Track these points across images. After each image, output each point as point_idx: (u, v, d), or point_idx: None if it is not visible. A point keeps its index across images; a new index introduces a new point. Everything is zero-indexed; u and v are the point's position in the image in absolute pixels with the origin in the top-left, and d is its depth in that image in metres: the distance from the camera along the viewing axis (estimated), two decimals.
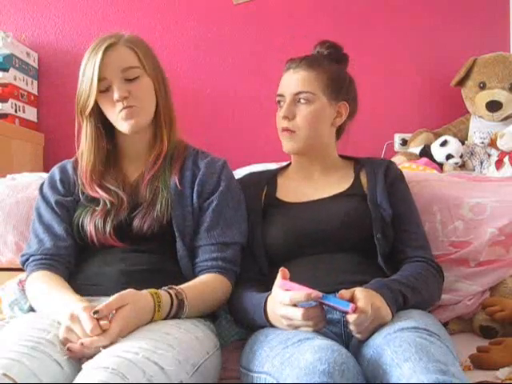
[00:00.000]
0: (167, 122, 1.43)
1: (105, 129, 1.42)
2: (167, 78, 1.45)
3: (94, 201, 1.39)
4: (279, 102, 1.51)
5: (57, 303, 1.22)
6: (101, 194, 1.37)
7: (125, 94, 1.34)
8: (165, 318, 1.19)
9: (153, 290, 1.18)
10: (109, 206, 1.36)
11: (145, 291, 1.17)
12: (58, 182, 1.45)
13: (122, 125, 1.38)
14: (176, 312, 1.20)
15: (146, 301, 1.15)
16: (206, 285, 1.31)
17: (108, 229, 1.33)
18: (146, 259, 1.33)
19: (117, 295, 1.12)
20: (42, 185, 1.48)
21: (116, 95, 1.34)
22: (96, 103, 1.37)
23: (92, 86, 1.34)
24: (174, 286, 1.23)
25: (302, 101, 1.46)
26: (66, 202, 1.41)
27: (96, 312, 1.07)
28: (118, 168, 1.45)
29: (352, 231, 1.38)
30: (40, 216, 1.42)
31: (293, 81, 1.48)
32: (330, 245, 1.37)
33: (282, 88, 1.51)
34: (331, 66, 1.50)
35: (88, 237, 1.35)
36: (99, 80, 1.33)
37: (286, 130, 1.47)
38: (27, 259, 1.38)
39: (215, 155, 1.50)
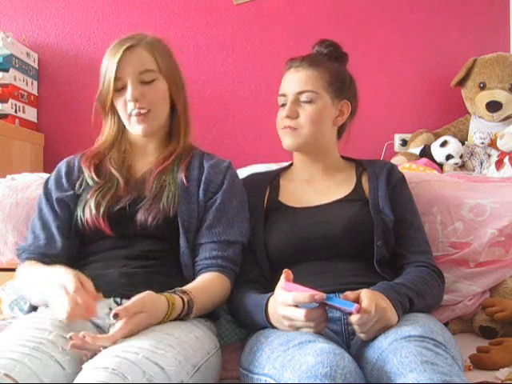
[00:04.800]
0: (183, 124, 1.47)
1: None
2: (185, 84, 1.49)
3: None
4: (281, 101, 1.50)
5: (46, 274, 1.23)
6: (92, 173, 1.40)
7: (137, 96, 1.37)
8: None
9: (171, 298, 1.17)
10: (104, 187, 1.37)
11: (163, 298, 1.16)
12: (63, 176, 1.46)
13: (134, 128, 1.41)
14: (182, 317, 1.20)
15: (161, 309, 1.15)
16: (210, 287, 1.31)
17: (102, 210, 1.33)
18: (147, 260, 1.33)
19: (137, 299, 1.11)
20: (47, 179, 1.49)
21: (128, 95, 1.37)
22: (112, 102, 1.41)
23: (110, 85, 1.37)
24: (187, 291, 1.23)
25: (305, 100, 1.45)
26: (68, 198, 1.41)
27: (116, 316, 1.07)
28: (127, 161, 1.46)
29: (354, 238, 1.37)
30: (40, 211, 1.43)
31: (295, 80, 1.47)
32: (332, 251, 1.37)
33: (283, 88, 1.50)
34: (333, 65, 1.50)
35: (84, 222, 1.35)
36: (115, 79, 1.36)
37: (287, 127, 1.47)
38: (22, 252, 1.41)
39: (220, 157, 1.51)
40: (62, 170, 1.48)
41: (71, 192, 1.42)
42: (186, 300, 1.20)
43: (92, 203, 1.35)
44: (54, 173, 1.50)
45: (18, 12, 2.70)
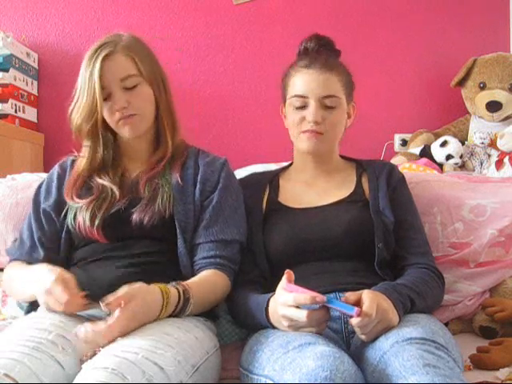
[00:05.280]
0: (169, 124, 1.43)
1: (106, 128, 1.42)
2: (168, 80, 1.45)
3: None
4: (299, 102, 1.43)
5: (29, 273, 1.28)
6: (75, 200, 1.37)
7: (124, 105, 1.35)
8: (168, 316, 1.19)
9: (163, 286, 1.17)
10: (99, 198, 1.36)
11: (155, 286, 1.16)
12: (55, 181, 1.45)
13: (122, 131, 1.39)
14: (180, 310, 1.20)
15: (155, 297, 1.15)
16: (208, 282, 1.31)
17: (97, 222, 1.33)
18: (145, 263, 1.32)
19: (126, 288, 1.11)
20: (39, 185, 1.49)
21: (115, 106, 1.35)
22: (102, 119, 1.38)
23: (96, 100, 1.32)
24: (181, 282, 1.23)
25: (330, 105, 1.41)
26: (52, 208, 1.41)
27: (107, 305, 1.07)
28: (119, 164, 1.45)
29: (354, 240, 1.37)
30: (29, 218, 1.45)
31: (319, 82, 1.41)
32: (332, 252, 1.36)
33: (303, 88, 1.43)
34: (345, 67, 1.48)
35: (76, 231, 1.35)
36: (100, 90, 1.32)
37: (313, 132, 1.42)
38: (10, 254, 1.45)
39: (216, 155, 1.50)
40: (54, 175, 1.47)
41: (56, 198, 1.41)
42: (181, 290, 1.20)
43: (87, 215, 1.34)
44: (45, 181, 1.49)
45: (18, 12, 2.70)
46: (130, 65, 1.36)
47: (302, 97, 1.43)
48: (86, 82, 1.34)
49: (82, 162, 1.43)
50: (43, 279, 1.19)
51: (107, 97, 1.35)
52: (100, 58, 1.33)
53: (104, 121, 1.39)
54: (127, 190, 1.39)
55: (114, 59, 1.34)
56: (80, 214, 1.35)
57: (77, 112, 1.37)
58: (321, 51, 1.48)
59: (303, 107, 1.43)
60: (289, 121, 1.48)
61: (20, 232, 1.47)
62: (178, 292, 1.19)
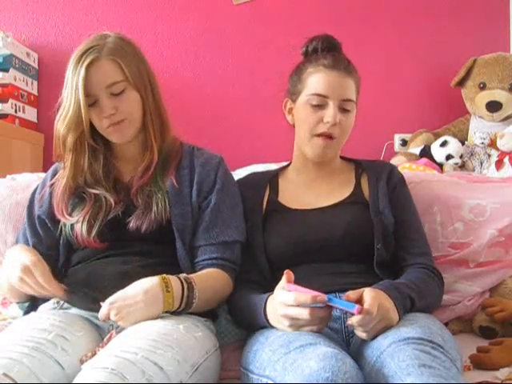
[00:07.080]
0: (157, 127, 1.39)
1: (96, 134, 1.39)
2: (155, 80, 1.41)
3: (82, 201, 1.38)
4: (316, 101, 1.41)
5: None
6: (67, 217, 1.35)
7: (111, 111, 1.32)
8: (180, 306, 1.20)
9: (160, 276, 1.19)
10: (94, 207, 1.34)
11: (150, 277, 1.19)
12: (48, 190, 1.43)
13: (111, 137, 1.37)
14: (188, 295, 1.20)
15: (147, 279, 1.18)
16: (208, 275, 1.31)
17: (94, 232, 1.32)
18: (145, 266, 1.31)
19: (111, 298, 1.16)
20: (34, 191, 1.48)
21: (103, 113, 1.32)
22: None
23: (82, 111, 1.29)
24: (180, 275, 1.24)
25: (347, 108, 1.41)
26: (46, 215, 1.40)
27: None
28: (111, 168, 1.43)
29: (354, 241, 1.37)
30: (24, 225, 1.45)
31: (341, 85, 1.40)
32: (332, 253, 1.36)
33: (325, 88, 1.40)
34: (357, 72, 1.47)
35: (73, 240, 1.34)
36: (85, 97, 1.29)
37: (328, 135, 1.41)
38: None
39: (211, 152, 1.48)
40: (47, 181, 1.46)
41: (50, 206, 1.39)
42: (182, 277, 1.21)
43: (84, 227, 1.32)
44: (39, 184, 1.47)
45: (18, 12, 2.70)
46: (115, 71, 1.32)
47: (322, 96, 1.41)
48: (71, 91, 1.30)
49: (63, 178, 1.39)
50: (20, 257, 1.21)
51: (94, 102, 1.32)
52: (85, 66, 1.29)
53: (92, 129, 1.36)
54: (122, 194, 1.38)
55: (100, 66, 1.30)
56: (76, 226, 1.34)
57: (63, 122, 1.33)
58: (334, 54, 1.46)
59: (319, 106, 1.41)
60: (301, 118, 1.45)
61: (16, 238, 1.47)
62: (179, 279, 1.20)
